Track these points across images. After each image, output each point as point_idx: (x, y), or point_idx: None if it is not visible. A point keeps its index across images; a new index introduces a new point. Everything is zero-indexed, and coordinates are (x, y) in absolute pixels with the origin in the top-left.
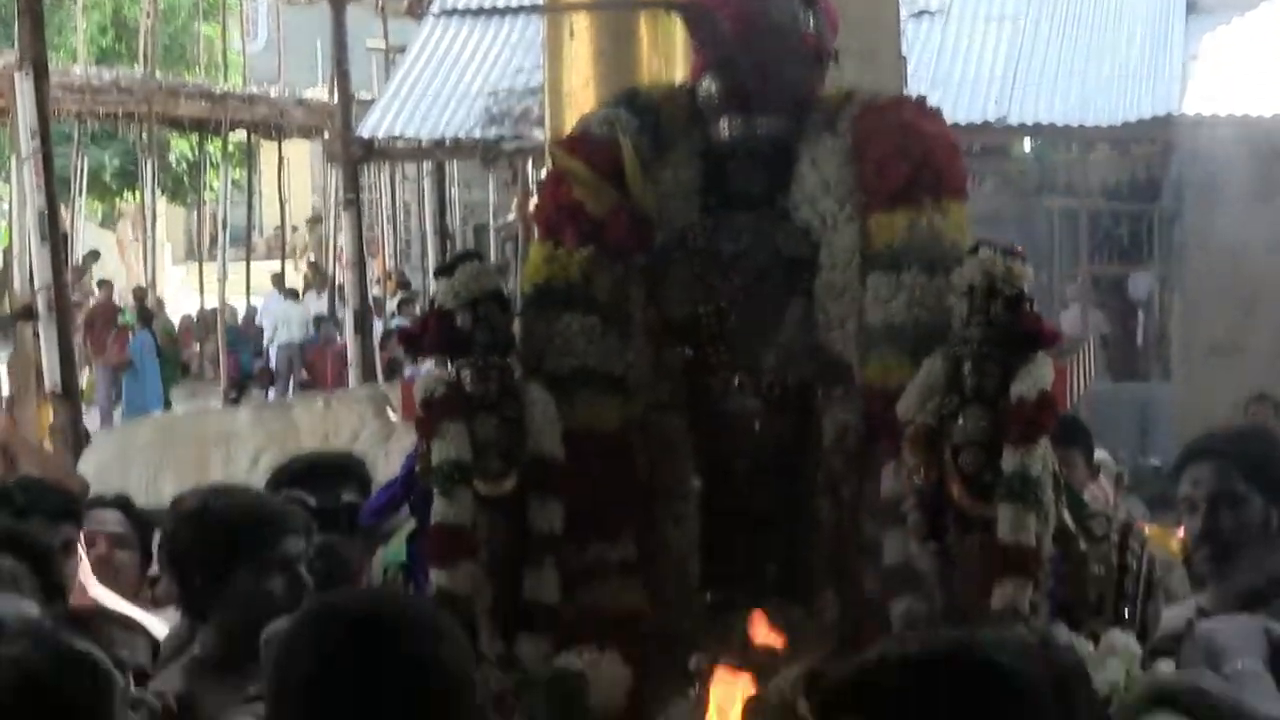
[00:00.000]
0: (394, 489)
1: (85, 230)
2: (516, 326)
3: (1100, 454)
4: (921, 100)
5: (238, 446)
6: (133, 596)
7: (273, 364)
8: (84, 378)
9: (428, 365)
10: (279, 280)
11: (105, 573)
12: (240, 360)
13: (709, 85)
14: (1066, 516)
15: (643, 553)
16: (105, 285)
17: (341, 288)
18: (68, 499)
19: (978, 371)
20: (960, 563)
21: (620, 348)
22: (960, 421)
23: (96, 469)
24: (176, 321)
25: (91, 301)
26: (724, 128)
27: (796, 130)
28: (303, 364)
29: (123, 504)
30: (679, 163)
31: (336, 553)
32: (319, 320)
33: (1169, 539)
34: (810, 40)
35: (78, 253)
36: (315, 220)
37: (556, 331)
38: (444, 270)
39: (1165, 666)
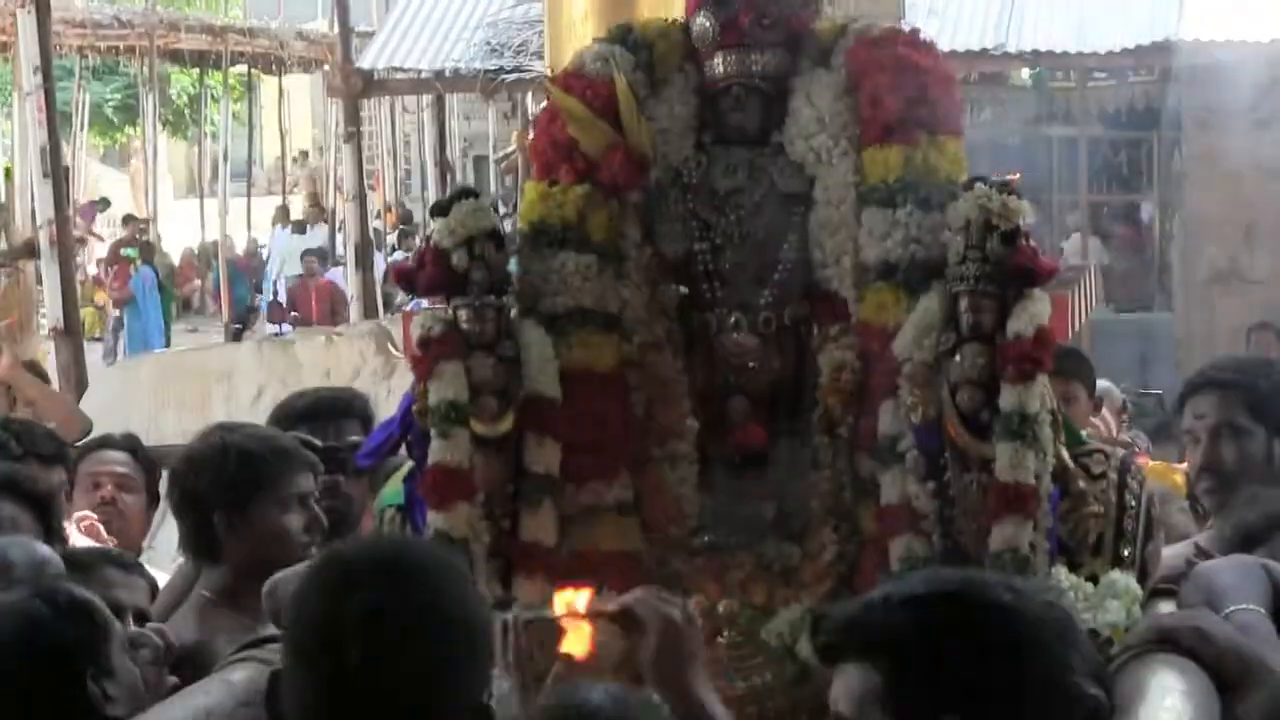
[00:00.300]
0: (390, 429)
1: (88, 165)
2: (513, 265)
3: (1104, 384)
4: (916, 33)
5: (240, 382)
6: (139, 538)
7: (281, 298)
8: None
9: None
10: (284, 213)
11: (110, 514)
12: (237, 295)
13: (703, 21)
14: (1065, 454)
15: (639, 493)
16: (131, 221)
17: (342, 221)
18: (59, 442)
19: (974, 308)
20: (959, 502)
21: (616, 286)
22: (957, 359)
23: (99, 406)
24: (177, 256)
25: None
26: (718, 64)
27: (791, 65)
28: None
29: (131, 445)
30: (674, 99)
31: (342, 493)
32: (304, 255)
33: (1172, 473)
34: None
35: (79, 188)
36: (303, 155)
37: (552, 270)
38: (440, 209)
39: (1165, 607)
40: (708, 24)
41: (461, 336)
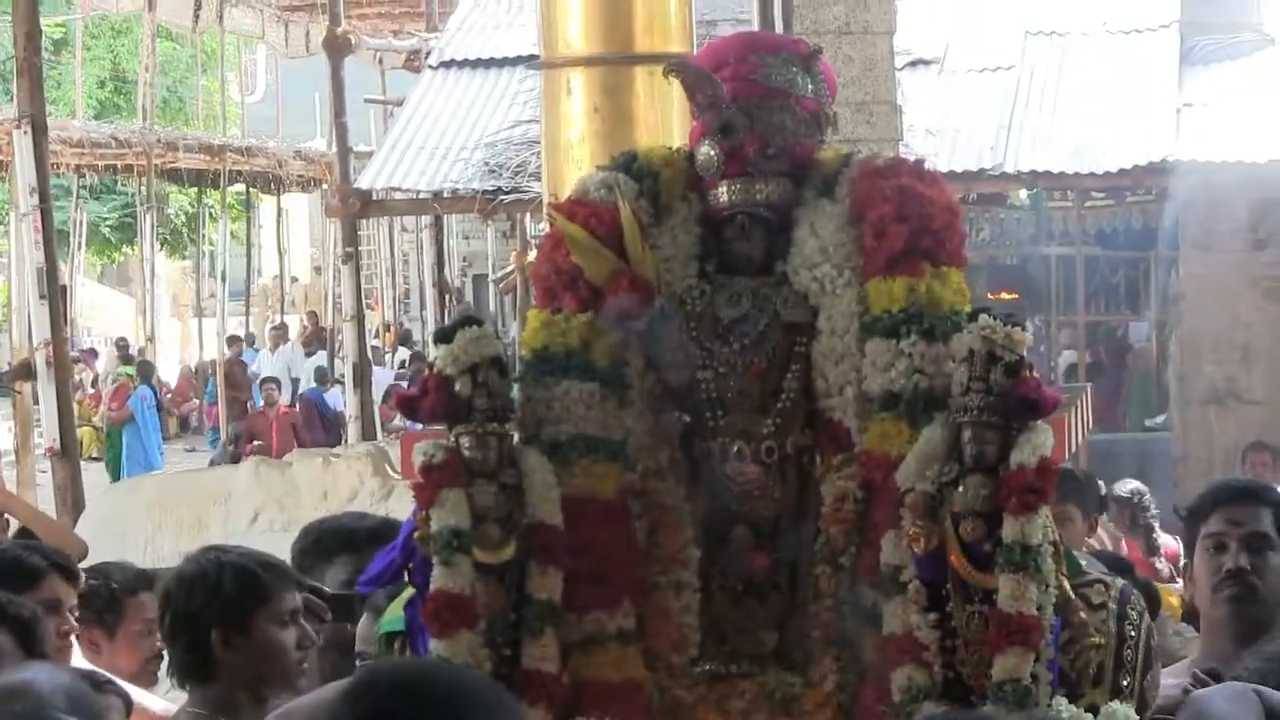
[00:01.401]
0: (392, 556)
1: (85, 286)
2: (515, 392)
3: (1132, 484)
4: (920, 163)
5: (237, 504)
6: (144, 666)
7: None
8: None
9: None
10: (281, 332)
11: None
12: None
13: (708, 150)
14: (1067, 585)
15: (642, 620)
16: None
17: (340, 342)
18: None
19: (977, 439)
20: (961, 632)
21: (619, 414)
22: (960, 490)
23: (96, 526)
24: (175, 374)
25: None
26: (723, 193)
27: (795, 195)
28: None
29: (151, 583)
30: (678, 227)
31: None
32: (262, 382)
33: (1166, 594)
34: (809, 104)
35: (76, 308)
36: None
37: (555, 398)
38: (443, 335)
39: None
40: (712, 153)
41: (464, 463)
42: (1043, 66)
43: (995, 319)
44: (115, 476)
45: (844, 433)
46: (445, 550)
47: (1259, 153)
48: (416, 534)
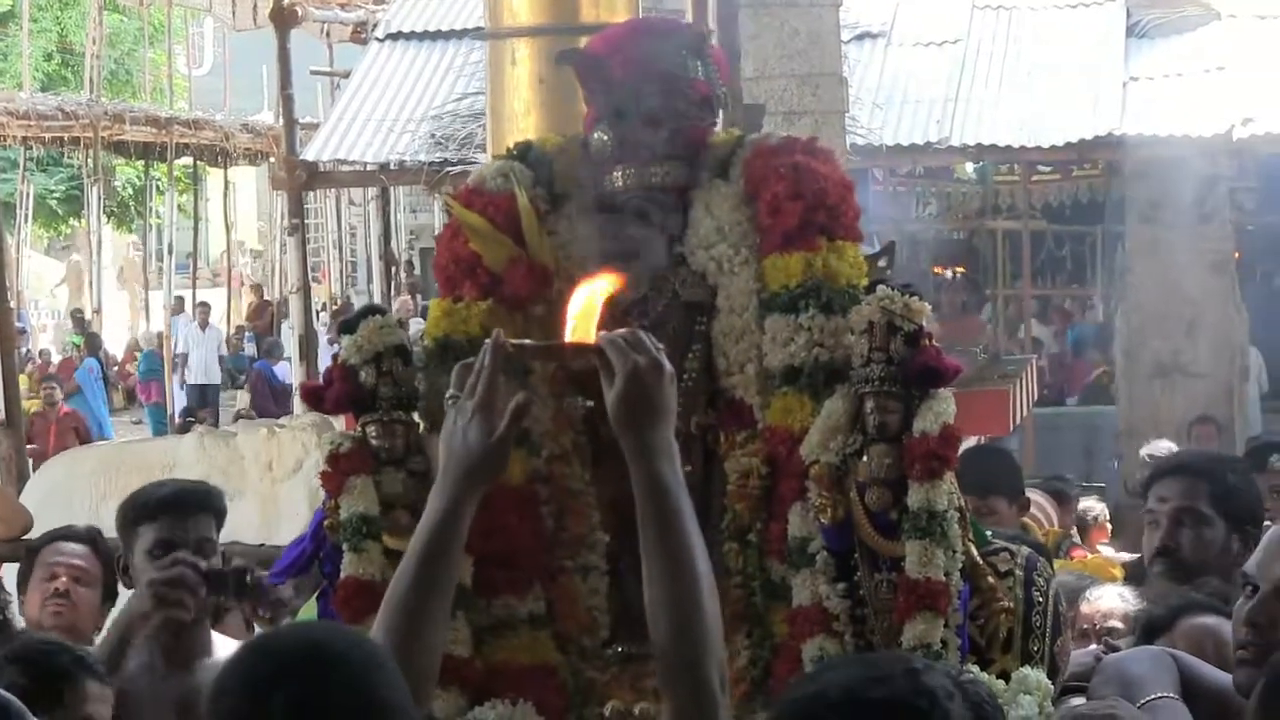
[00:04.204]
0: (303, 545)
1: (31, 258)
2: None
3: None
4: (813, 141)
5: (181, 474)
6: (90, 630)
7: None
8: None
9: None
10: (204, 310)
11: (64, 606)
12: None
13: (601, 135)
14: (974, 551)
15: (551, 605)
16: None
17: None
18: None
19: (880, 409)
20: (870, 601)
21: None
22: (864, 460)
23: (40, 497)
24: (121, 347)
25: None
26: (618, 178)
27: (690, 177)
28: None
29: (91, 538)
30: (575, 213)
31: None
32: (42, 382)
33: (1111, 567)
34: (700, 87)
35: (23, 279)
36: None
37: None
38: (348, 326)
39: (1077, 703)
40: (606, 138)
41: (371, 452)
42: (989, 40)
43: (894, 289)
44: None
45: (746, 410)
46: (355, 537)
47: (1205, 127)
48: (326, 523)
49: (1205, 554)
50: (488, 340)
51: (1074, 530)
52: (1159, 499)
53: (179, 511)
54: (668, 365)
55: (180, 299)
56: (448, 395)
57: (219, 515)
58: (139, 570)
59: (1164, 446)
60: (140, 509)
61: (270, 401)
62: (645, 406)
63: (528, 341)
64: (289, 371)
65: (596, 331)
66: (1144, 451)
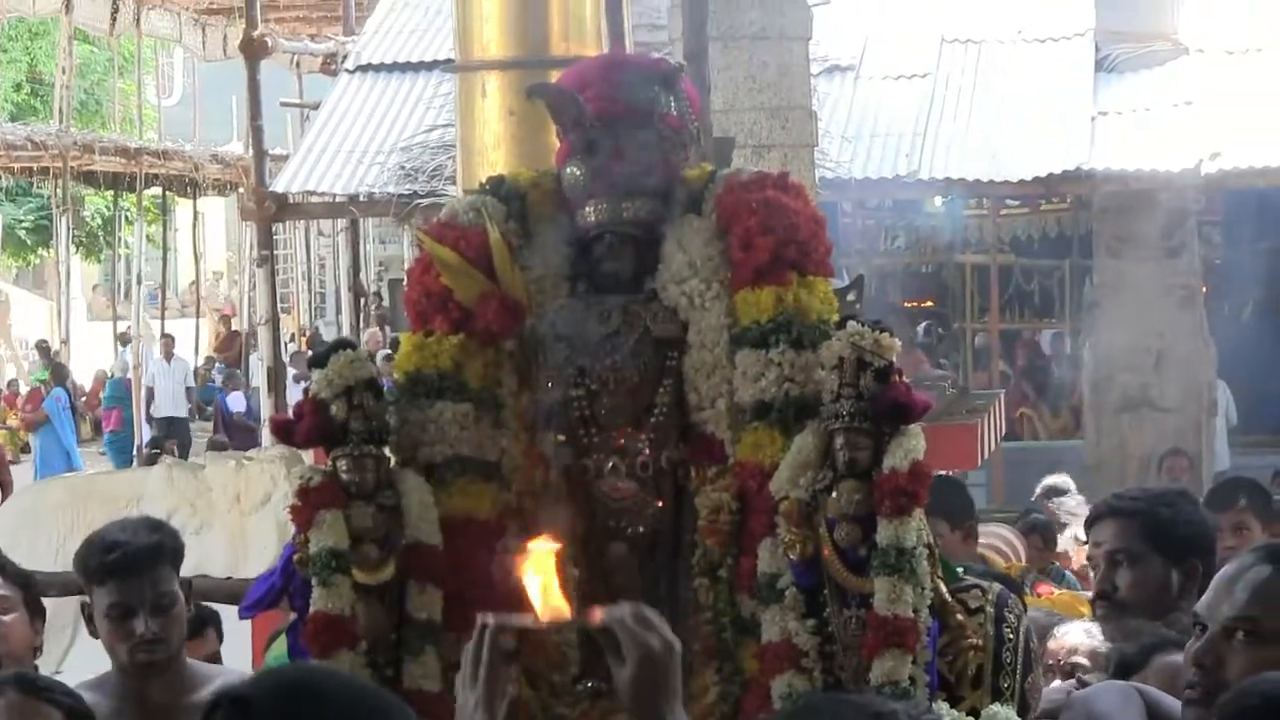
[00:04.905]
0: (272, 581)
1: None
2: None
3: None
4: (785, 176)
5: (149, 507)
6: (26, 653)
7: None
8: None
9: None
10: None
11: None
12: (127, 417)
13: (573, 170)
14: (943, 588)
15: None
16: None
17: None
18: None
19: (850, 445)
20: (839, 637)
21: (493, 434)
22: (834, 495)
23: (8, 529)
24: (90, 378)
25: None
26: (590, 212)
27: (662, 212)
28: None
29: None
30: (547, 248)
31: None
32: None
33: (1078, 604)
34: (672, 121)
35: None
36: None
37: (430, 420)
38: (318, 360)
39: None
40: (578, 173)
41: (341, 486)
42: (958, 74)
43: (864, 325)
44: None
45: (717, 445)
46: (324, 571)
47: (1173, 161)
48: (296, 557)
49: (1142, 592)
50: (484, 625)
51: (1056, 563)
52: (1095, 543)
53: (127, 575)
54: (677, 643)
55: (125, 333)
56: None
57: (175, 557)
58: (100, 628)
59: (1061, 481)
60: (91, 573)
61: (224, 432)
62: (660, 687)
63: (511, 624)
64: (241, 401)
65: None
66: (1042, 484)
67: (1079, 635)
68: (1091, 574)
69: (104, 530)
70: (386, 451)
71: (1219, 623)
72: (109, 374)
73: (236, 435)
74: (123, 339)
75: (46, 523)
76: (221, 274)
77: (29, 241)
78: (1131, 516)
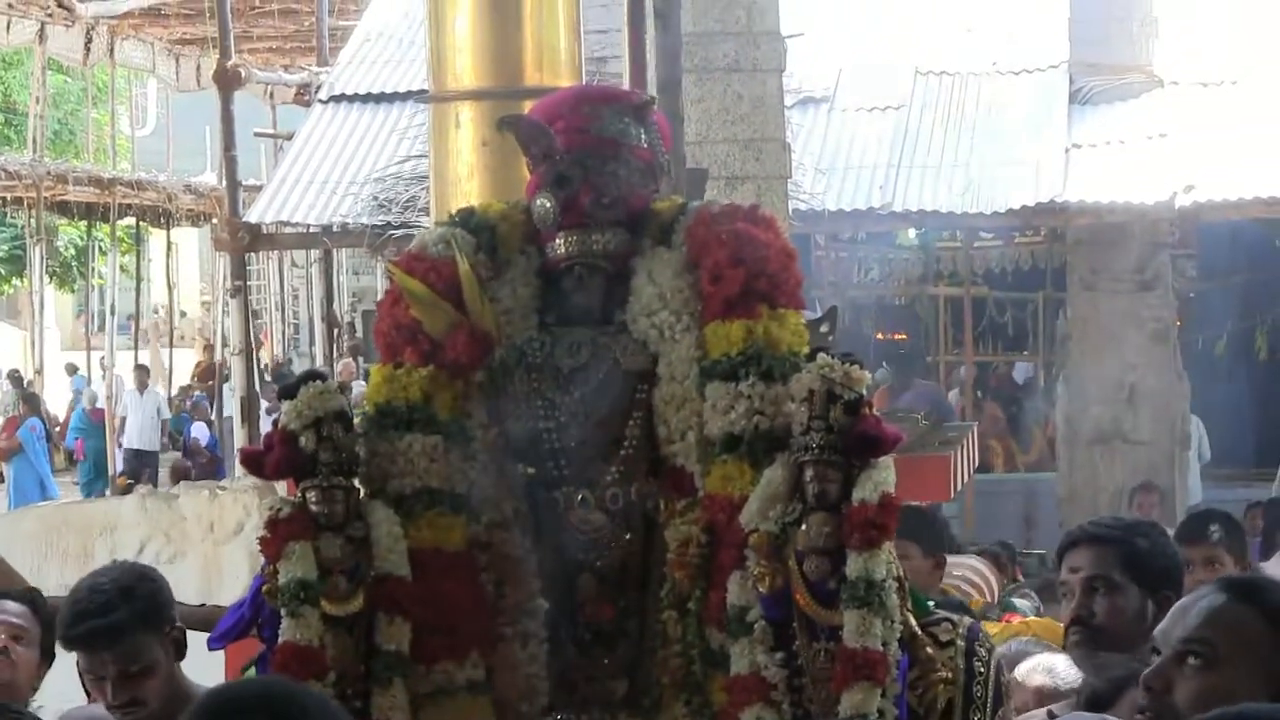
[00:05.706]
0: (241, 612)
1: None
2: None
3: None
4: (755, 208)
5: (123, 536)
6: (27, 690)
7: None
8: None
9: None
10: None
11: (2, 665)
12: (94, 447)
13: (543, 202)
14: (912, 621)
15: (490, 672)
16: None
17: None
18: None
19: (819, 478)
20: (808, 670)
21: (463, 467)
22: (804, 528)
23: None
24: (64, 408)
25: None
26: (559, 244)
27: (632, 244)
28: None
29: (30, 599)
30: (516, 280)
31: None
32: None
33: (1058, 630)
34: (642, 154)
35: None
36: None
37: (399, 452)
38: (287, 391)
39: None
40: (548, 205)
41: (310, 517)
42: (932, 106)
43: (834, 358)
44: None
45: (687, 478)
46: (293, 602)
47: (1147, 194)
48: (265, 588)
49: (1119, 621)
50: None
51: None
52: (1070, 569)
53: (91, 649)
54: None
55: (74, 365)
56: None
57: (151, 618)
58: (83, 678)
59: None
60: (62, 637)
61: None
62: None
63: None
64: (204, 431)
65: None
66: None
67: (1041, 678)
68: (1063, 600)
69: (81, 589)
70: (356, 483)
71: (1171, 646)
72: (73, 405)
73: (198, 464)
74: (69, 369)
75: (20, 551)
76: (210, 303)
77: (3, 271)
78: (1108, 544)
